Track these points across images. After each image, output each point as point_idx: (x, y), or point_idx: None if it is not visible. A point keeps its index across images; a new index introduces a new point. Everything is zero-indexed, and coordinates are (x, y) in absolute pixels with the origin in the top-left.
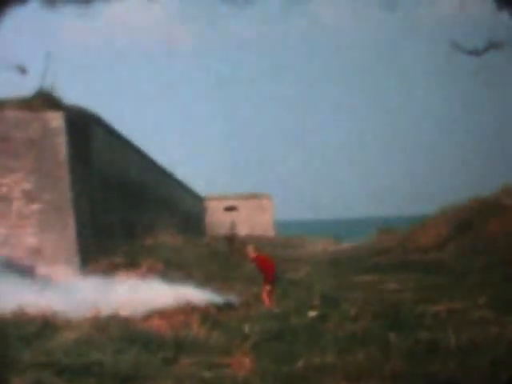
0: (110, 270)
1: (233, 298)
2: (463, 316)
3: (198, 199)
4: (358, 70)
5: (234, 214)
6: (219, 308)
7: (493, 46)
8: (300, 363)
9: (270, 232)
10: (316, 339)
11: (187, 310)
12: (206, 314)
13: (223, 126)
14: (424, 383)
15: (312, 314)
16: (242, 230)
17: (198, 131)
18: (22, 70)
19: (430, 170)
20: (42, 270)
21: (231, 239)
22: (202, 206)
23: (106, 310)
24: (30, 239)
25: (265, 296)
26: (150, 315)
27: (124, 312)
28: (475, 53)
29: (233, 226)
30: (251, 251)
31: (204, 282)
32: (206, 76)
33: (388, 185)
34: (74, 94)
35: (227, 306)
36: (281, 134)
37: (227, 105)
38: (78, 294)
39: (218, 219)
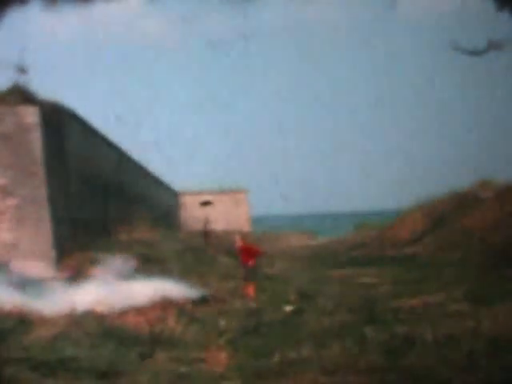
0: (86, 265)
1: (209, 293)
2: (439, 309)
3: (174, 194)
4: (352, 67)
5: (209, 208)
6: (195, 303)
7: (493, 45)
8: (276, 358)
9: (246, 227)
10: (292, 334)
11: (163, 305)
12: (182, 310)
13: (195, 119)
14: (400, 377)
15: (288, 308)
16: (218, 225)
17: (173, 125)
18: (22, 70)
19: (407, 163)
20: (17, 265)
21: (206, 234)
22: (178, 201)
23: (81, 306)
24: (5, 234)
25: (249, 289)
26: (125, 311)
27: (100, 308)
28: (475, 53)
29: (207, 221)
30: (238, 240)
31: (180, 277)
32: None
33: (364, 179)
34: (50, 89)
35: (203, 301)
36: (257, 125)
37: (203, 96)
38: (53, 290)
39: (193, 214)
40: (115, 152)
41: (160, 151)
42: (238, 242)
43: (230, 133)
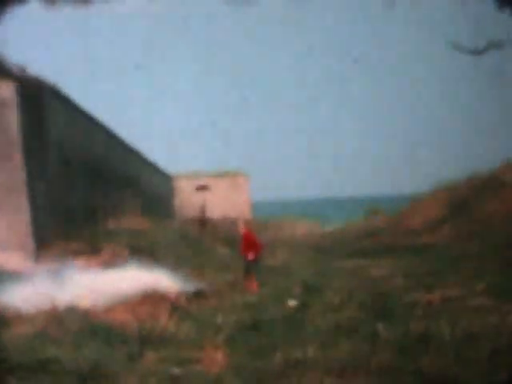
0: (69, 256)
1: (205, 287)
2: (458, 304)
3: (167, 178)
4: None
5: (206, 194)
6: (190, 297)
7: (493, 45)
8: (278, 358)
9: (247, 213)
10: (296, 331)
11: (154, 300)
12: (174, 305)
13: (194, 101)
14: (415, 379)
15: (292, 303)
16: (216, 212)
17: (167, 106)
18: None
19: (424, 144)
20: None
21: (203, 222)
22: (171, 186)
23: (63, 301)
24: None
25: (250, 282)
26: (112, 306)
27: (84, 303)
28: (475, 52)
29: (203, 207)
30: (241, 226)
31: (173, 268)
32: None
33: (377, 161)
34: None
35: (198, 296)
36: (261, 106)
37: (199, 79)
38: (32, 284)
39: (188, 200)
40: (103, 132)
41: (153, 132)
42: (242, 229)
43: (229, 110)
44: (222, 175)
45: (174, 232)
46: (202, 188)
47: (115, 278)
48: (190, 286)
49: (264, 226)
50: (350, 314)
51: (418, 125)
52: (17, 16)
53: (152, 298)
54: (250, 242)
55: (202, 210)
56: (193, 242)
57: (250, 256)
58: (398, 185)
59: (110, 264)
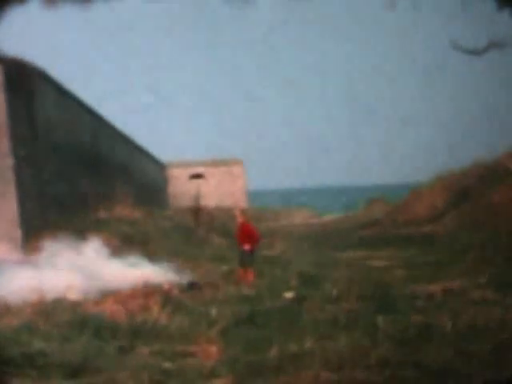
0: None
1: (198, 278)
2: (461, 297)
3: (160, 166)
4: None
5: (201, 182)
6: (183, 289)
7: (493, 45)
8: (274, 351)
9: (242, 203)
10: (293, 324)
11: (146, 291)
12: (167, 297)
13: (192, 88)
14: (416, 373)
15: (288, 295)
16: (211, 201)
17: (164, 93)
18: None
19: (427, 130)
20: None
21: (197, 212)
22: (165, 174)
23: (51, 293)
24: None
25: (246, 274)
26: (103, 298)
27: (73, 295)
28: (475, 52)
29: (198, 196)
30: (238, 215)
31: (166, 259)
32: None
33: (378, 149)
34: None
35: (192, 287)
36: (258, 92)
37: (197, 66)
38: (19, 275)
39: (182, 189)
40: (93, 118)
41: (146, 117)
42: (239, 218)
43: (224, 96)
44: (216, 163)
45: (167, 222)
46: (197, 176)
47: (106, 268)
48: (184, 278)
49: (261, 215)
50: (349, 307)
51: (420, 112)
52: (17, 16)
53: (144, 290)
54: (246, 232)
55: (197, 199)
56: (187, 232)
57: (246, 246)
58: (402, 173)
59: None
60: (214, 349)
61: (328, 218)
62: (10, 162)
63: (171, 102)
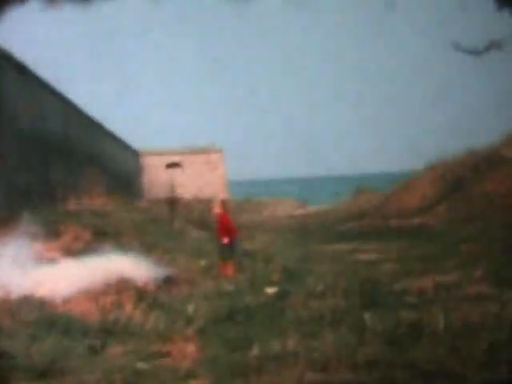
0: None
1: (175, 273)
2: (454, 292)
3: (134, 155)
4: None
5: (177, 171)
6: (159, 285)
7: (493, 45)
8: (255, 350)
9: (222, 193)
10: (275, 321)
11: (119, 287)
12: (141, 293)
13: (171, 72)
14: (406, 374)
15: (270, 290)
16: (188, 192)
17: (139, 77)
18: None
19: (418, 117)
20: None
21: (173, 203)
22: (139, 163)
23: (17, 290)
24: None
25: (225, 268)
26: (72, 295)
27: (40, 292)
28: (475, 52)
29: (174, 187)
30: (216, 206)
31: (140, 253)
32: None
33: (366, 137)
34: None
35: (168, 283)
36: (242, 79)
37: (178, 51)
38: None
39: (158, 178)
40: (61, 103)
41: (119, 103)
42: (217, 208)
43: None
44: (194, 151)
45: (142, 213)
46: (173, 165)
47: (76, 263)
48: (159, 272)
49: (242, 206)
50: (335, 303)
51: (413, 100)
52: (16, 16)
53: (117, 286)
54: (225, 225)
55: (173, 189)
56: (162, 224)
57: (225, 239)
58: (389, 161)
59: (70, 248)
60: (191, 348)
61: (314, 208)
62: None
63: (147, 87)
